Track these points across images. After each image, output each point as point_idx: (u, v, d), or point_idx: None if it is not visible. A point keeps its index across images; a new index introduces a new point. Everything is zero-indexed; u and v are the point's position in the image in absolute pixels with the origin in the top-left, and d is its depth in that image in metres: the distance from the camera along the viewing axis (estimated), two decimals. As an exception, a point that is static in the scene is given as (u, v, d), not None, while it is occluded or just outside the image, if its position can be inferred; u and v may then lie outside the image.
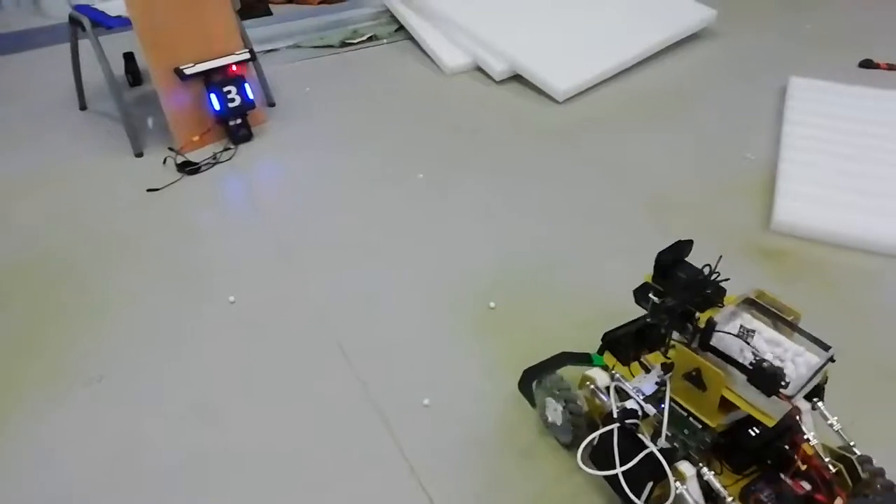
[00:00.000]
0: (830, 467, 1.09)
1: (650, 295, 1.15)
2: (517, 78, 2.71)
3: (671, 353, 1.12)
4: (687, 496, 1.03)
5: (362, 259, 1.82)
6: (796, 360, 1.05)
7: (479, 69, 2.80)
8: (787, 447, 1.09)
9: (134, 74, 2.72)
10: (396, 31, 3.14)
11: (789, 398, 0.98)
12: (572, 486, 1.24)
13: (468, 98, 2.61)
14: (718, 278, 1.11)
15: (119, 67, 2.67)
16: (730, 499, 1.03)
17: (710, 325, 1.04)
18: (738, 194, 2.03)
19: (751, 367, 1.00)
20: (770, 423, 1.01)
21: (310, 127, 2.43)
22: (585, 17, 2.94)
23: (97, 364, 1.53)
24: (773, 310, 1.13)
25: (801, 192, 1.93)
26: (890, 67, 2.70)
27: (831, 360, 1.05)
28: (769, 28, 3.07)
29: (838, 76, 2.58)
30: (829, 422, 1.13)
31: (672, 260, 1.14)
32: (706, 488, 1.06)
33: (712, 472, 1.06)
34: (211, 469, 1.30)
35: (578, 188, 2.08)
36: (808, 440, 1.10)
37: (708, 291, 1.11)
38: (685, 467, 1.06)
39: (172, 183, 2.13)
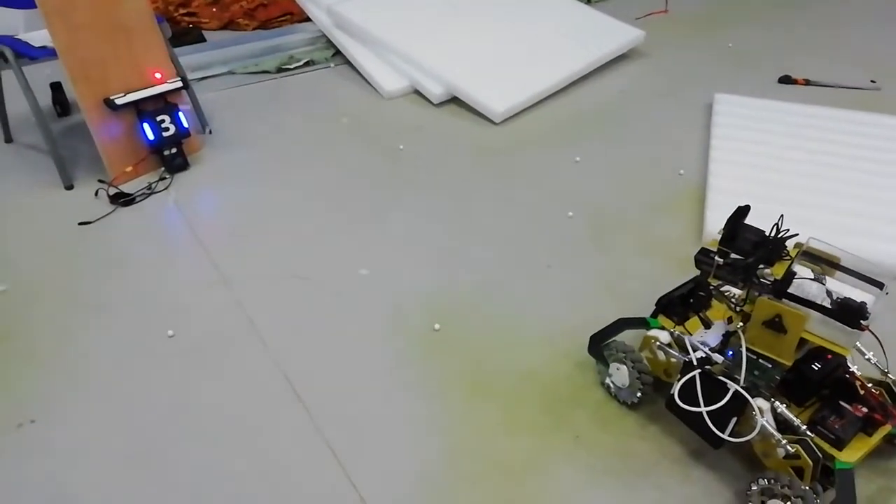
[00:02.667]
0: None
1: (715, 257, 1.23)
2: (455, 100, 2.74)
3: (749, 305, 1.21)
4: (768, 426, 1.16)
5: (304, 286, 1.80)
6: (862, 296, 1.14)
7: (418, 92, 2.82)
8: (846, 375, 1.24)
9: (62, 104, 2.64)
10: (333, 55, 3.14)
11: (867, 328, 1.11)
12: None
13: (407, 121, 2.63)
14: (785, 235, 1.23)
15: (46, 97, 2.59)
16: (803, 427, 1.17)
17: (790, 275, 1.15)
18: (671, 209, 2.09)
19: (834, 306, 1.12)
20: (847, 354, 1.14)
21: (247, 154, 2.40)
22: (520, 39, 3.01)
23: (28, 406, 1.46)
24: (823, 257, 1.25)
25: (730, 205, 1.99)
26: (807, 83, 2.85)
27: (885, 293, 1.16)
28: (693, 47, 3.20)
29: (759, 91, 2.70)
30: (866, 356, 1.28)
31: (736, 223, 1.23)
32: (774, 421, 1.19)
33: (784, 405, 1.19)
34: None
35: (517, 208, 2.11)
36: (853, 372, 1.25)
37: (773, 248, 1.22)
38: (760, 402, 1.18)
39: (106, 215, 2.07)
